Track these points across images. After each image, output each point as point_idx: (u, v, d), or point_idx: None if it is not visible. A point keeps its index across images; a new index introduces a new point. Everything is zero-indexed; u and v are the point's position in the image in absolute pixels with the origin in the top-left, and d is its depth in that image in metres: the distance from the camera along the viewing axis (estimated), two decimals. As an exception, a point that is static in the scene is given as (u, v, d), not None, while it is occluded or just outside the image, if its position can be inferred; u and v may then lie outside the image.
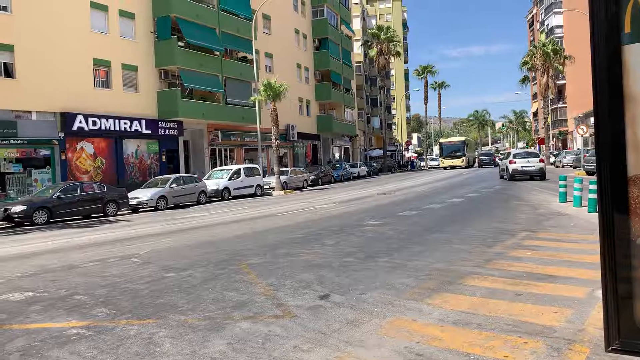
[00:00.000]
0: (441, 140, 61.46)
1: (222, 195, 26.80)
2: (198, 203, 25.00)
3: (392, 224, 12.42)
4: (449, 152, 55.03)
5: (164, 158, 29.96)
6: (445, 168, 54.41)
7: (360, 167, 48.41)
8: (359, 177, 46.72)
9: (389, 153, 66.82)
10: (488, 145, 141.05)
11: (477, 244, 9.07)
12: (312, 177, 37.01)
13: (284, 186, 32.07)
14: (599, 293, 5.57)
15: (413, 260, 7.87)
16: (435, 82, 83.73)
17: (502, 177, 29.02)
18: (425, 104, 77.67)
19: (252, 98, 31.96)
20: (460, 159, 54.00)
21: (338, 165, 44.39)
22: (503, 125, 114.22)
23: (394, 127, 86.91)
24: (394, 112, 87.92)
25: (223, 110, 33.02)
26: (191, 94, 31.48)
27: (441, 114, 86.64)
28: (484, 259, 7.79)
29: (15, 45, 22.27)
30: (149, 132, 28.46)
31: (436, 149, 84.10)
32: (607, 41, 2.49)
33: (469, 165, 56.50)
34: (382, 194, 23.65)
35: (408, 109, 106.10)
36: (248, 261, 8.53)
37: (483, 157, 58.82)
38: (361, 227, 12.13)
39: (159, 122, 29.18)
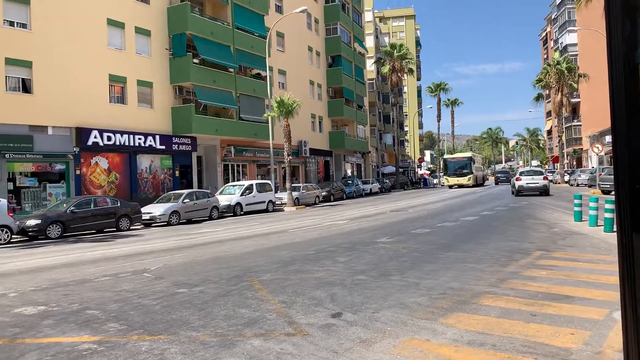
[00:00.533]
0: (445, 156, 54.68)
1: (234, 210, 26.88)
2: (210, 218, 25.10)
3: (405, 241, 12.37)
4: (454, 169, 49.79)
5: (177, 173, 30.18)
6: (450, 187, 49.35)
7: (372, 183, 48.34)
8: (371, 194, 46.64)
9: (401, 170, 66.75)
10: (502, 162, 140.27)
11: (491, 262, 8.99)
12: (324, 194, 37.00)
13: (296, 202, 32.08)
14: (617, 315, 5.48)
15: (426, 279, 7.81)
16: (448, 100, 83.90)
17: (512, 192, 31.86)
18: (438, 121, 77.71)
19: (265, 115, 32.17)
20: (467, 177, 49.00)
21: (350, 182, 44.38)
22: (517, 143, 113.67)
23: (406, 144, 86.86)
24: (406, 129, 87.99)
25: (236, 126, 33.27)
26: (205, 110, 31.79)
27: (454, 131, 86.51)
28: (498, 278, 7.71)
29: (33, 62, 22.71)
30: (163, 147, 28.73)
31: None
32: (624, 60, 2.48)
33: (477, 184, 51.92)
34: (395, 211, 23.62)
35: (421, 125, 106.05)
36: (260, 278, 8.52)
37: (500, 175, 61.74)
38: (374, 244, 12.07)
39: (173, 138, 29.47)
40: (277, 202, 31.36)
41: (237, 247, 13.21)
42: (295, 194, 32.42)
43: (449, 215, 19.69)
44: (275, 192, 33.16)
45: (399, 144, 67.74)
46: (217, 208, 25.75)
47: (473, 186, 49.53)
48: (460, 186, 48.87)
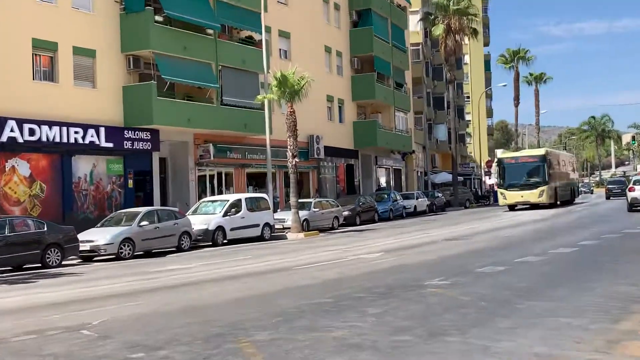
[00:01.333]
0: (501, 155, 50.67)
1: (214, 238, 26.96)
2: (179, 249, 25.12)
3: (466, 285, 12.33)
4: (514, 177, 43.63)
5: (130, 183, 30.37)
6: (511, 208, 43.81)
7: (417, 198, 48.19)
8: (415, 213, 46.53)
9: (461, 178, 66.57)
10: (611, 167, 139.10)
11: (596, 316, 8.95)
12: (346, 213, 36.99)
13: (305, 226, 32.09)
14: None
15: (500, 341, 7.78)
16: (531, 74, 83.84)
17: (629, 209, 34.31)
18: (516, 106, 77.55)
19: (259, 97, 32.28)
20: (538, 190, 42.62)
21: (385, 196, 44.29)
22: (634, 138, 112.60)
23: (468, 139, 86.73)
24: (468, 117, 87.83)
25: (217, 114, 33.45)
26: (172, 90, 32.04)
27: (539, 121, 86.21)
28: (608, 339, 7.67)
29: None
30: (110, 145, 28.94)
31: None
32: None
33: (556, 202, 45.51)
34: (452, 240, 23.43)
35: (490, 113, 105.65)
36: (252, 337, 8.53)
37: (612, 186, 61.44)
38: (420, 289, 12.04)
39: (125, 131, 29.66)
40: (277, 226, 31.33)
41: (218, 292, 13.19)
42: (303, 213, 32.41)
43: (533, 246, 19.53)
44: (275, 210, 33.14)
45: (458, 140, 67.53)
46: (189, 234, 25.79)
47: (550, 205, 43.23)
48: (527, 205, 42.90)
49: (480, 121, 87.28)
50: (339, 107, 47.97)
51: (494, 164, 46.80)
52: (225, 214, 27.75)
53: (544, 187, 42.52)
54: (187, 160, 33.33)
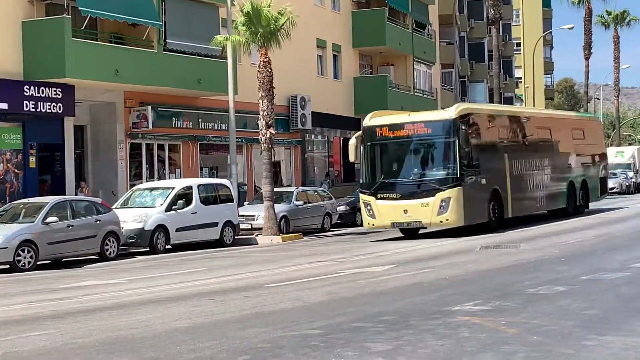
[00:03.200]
0: (368, 121, 31.98)
1: (152, 242, 27.02)
2: (102, 257, 25.12)
3: (512, 311, 12.32)
4: (395, 169, 31.66)
5: (32, 162, 30.24)
6: (405, 232, 31.47)
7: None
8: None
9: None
10: None
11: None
12: (341, 208, 36.99)
13: (283, 226, 32.08)
14: None
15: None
16: (608, 13, 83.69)
17: None
18: (587, 58, 77.51)
19: (218, 38, 32.15)
20: (435, 199, 29.48)
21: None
22: None
23: (518, 104, 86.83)
24: (518, 74, 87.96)
25: (159, 64, 33.39)
26: (93, 29, 31.87)
27: (619, 80, 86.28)
28: None
29: None
30: (4, 106, 28.80)
31: (607, 153, 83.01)
32: None
33: (492, 218, 31.23)
34: (491, 248, 23.57)
35: (549, 68, 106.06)
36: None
37: None
38: (446, 316, 12.03)
39: (25, 87, 29.56)
40: (243, 226, 31.48)
41: (157, 318, 13.20)
42: (281, 208, 32.46)
43: (607, 257, 19.56)
44: (241, 204, 33.08)
45: (504, 103, 67.60)
46: (117, 236, 25.79)
47: (487, 228, 30.74)
48: (410, 229, 31.27)
49: (535, 79, 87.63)
50: (334, 57, 47.93)
51: (353, 139, 31.66)
52: (169, 208, 27.73)
53: (452, 192, 29.27)
54: (115, 129, 33.25)
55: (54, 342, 11.29)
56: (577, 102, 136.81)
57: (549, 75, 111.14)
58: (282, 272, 19.76)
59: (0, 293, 18.22)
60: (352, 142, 31.29)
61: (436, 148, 30.71)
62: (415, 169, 30.60)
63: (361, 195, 30.95)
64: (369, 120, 30.88)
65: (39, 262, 23.39)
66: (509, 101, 79.22)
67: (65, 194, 29.28)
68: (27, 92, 29.49)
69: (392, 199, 29.76)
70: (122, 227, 26.09)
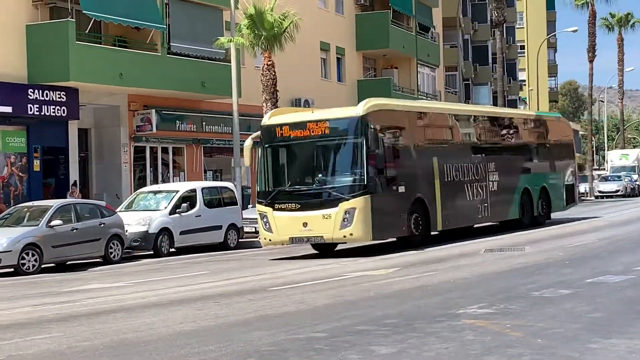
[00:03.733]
0: (268, 120, 28.06)
1: (156, 245, 27.02)
2: (106, 260, 25.13)
3: (517, 314, 12.33)
4: (295, 174, 27.57)
5: (37, 165, 30.24)
6: (324, 249, 27.19)
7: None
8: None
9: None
10: None
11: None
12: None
13: (287, 229, 32.08)
14: None
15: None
16: (612, 16, 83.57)
17: None
18: (591, 61, 77.39)
19: (222, 40, 32.14)
20: (338, 210, 25.34)
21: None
22: None
23: (522, 107, 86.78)
24: (522, 76, 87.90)
25: (162, 67, 33.41)
26: (97, 32, 31.86)
27: (623, 82, 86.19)
28: None
29: None
30: (8, 109, 28.82)
31: (611, 155, 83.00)
32: None
33: (413, 232, 26.81)
34: (496, 251, 23.49)
35: (553, 70, 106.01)
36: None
37: None
38: (451, 319, 12.04)
39: (29, 91, 29.59)
40: (247, 229, 31.42)
41: (161, 321, 13.20)
42: (285, 211, 32.40)
43: (612, 260, 19.58)
44: (245, 207, 33.05)
45: (507, 107, 67.57)
46: (121, 239, 25.80)
47: (415, 242, 26.83)
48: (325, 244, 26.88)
49: (539, 82, 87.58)
50: (338, 60, 47.91)
51: (248, 141, 27.48)
52: (173, 211, 27.75)
53: (357, 202, 25.15)
54: (119, 132, 33.28)
55: (58, 346, 11.30)
56: (581, 104, 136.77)
57: (553, 78, 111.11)
58: (286, 276, 19.75)
59: (5, 296, 18.23)
60: (248, 143, 27.14)
61: (342, 150, 26.46)
62: (320, 175, 26.20)
63: (257, 206, 26.65)
64: (268, 119, 27.09)
65: (43, 266, 23.42)
66: (513, 104, 79.17)
67: (70, 197, 29.26)
68: (31, 96, 29.54)
69: (291, 209, 25.44)
70: (127, 230, 26.12)
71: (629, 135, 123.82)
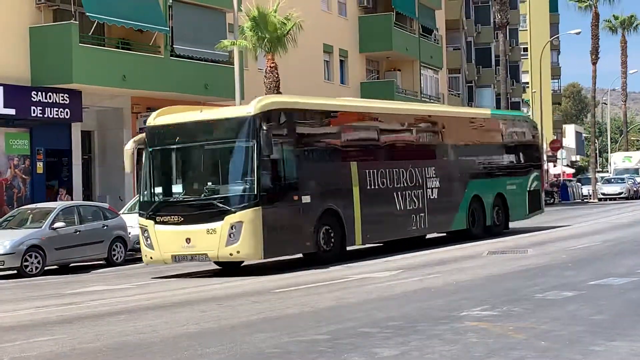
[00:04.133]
0: (153, 120, 25.15)
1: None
2: (110, 263, 25.20)
3: (520, 316, 12.32)
4: (177, 182, 25.66)
5: (40, 167, 30.24)
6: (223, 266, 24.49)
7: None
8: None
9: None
10: None
11: None
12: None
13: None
14: None
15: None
16: (616, 18, 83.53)
17: None
18: (594, 63, 77.34)
19: (225, 42, 32.12)
20: (224, 224, 25.55)
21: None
22: None
23: (525, 109, 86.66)
24: (525, 79, 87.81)
25: (165, 69, 33.45)
26: (100, 35, 31.86)
27: (626, 85, 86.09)
28: None
29: None
30: (11, 112, 28.83)
31: (614, 158, 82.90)
32: None
33: (323, 248, 23.85)
34: (500, 254, 23.48)
35: (556, 72, 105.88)
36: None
37: None
38: (454, 321, 12.02)
39: (33, 93, 29.62)
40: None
41: (164, 323, 13.21)
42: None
43: (616, 262, 19.56)
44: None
45: (510, 109, 67.54)
46: (125, 241, 25.86)
47: (317, 258, 23.62)
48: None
49: (542, 84, 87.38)
50: (341, 62, 47.88)
51: (130, 144, 24.53)
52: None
53: (245, 214, 21.78)
54: (122, 135, 33.25)
55: (61, 347, 11.30)
56: (584, 106, 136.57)
57: (556, 80, 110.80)
58: (289, 277, 19.76)
59: (8, 298, 18.23)
60: (128, 147, 24.08)
61: (232, 155, 23.46)
62: (209, 184, 23.26)
63: (139, 219, 23.26)
64: (153, 120, 23.64)
65: (46, 268, 23.43)
66: (516, 106, 79.07)
67: (72, 199, 29.30)
68: (34, 98, 29.54)
69: (173, 223, 22.22)
70: (130, 233, 26.12)
71: (632, 138, 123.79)
